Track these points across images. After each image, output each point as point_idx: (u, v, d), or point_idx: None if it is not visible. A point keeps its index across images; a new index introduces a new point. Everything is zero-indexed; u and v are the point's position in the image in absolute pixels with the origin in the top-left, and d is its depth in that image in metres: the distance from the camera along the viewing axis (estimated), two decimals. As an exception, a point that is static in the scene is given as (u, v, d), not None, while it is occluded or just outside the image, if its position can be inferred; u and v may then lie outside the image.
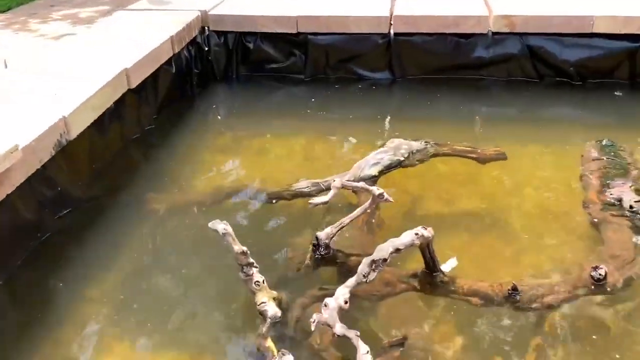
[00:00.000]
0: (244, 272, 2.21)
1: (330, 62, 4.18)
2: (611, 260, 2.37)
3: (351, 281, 2.10)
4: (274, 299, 2.20)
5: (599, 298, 2.30)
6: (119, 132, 3.28)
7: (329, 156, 3.57)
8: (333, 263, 2.54)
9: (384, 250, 2.13)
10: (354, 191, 2.81)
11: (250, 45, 4.20)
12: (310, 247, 2.52)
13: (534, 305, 2.24)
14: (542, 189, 3.19)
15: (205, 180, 3.35)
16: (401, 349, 2.13)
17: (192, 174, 3.39)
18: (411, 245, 2.18)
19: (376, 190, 2.41)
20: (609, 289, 2.27)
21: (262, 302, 2.17)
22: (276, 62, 4.24)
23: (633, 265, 2.37)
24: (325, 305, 1.99)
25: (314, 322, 1.91)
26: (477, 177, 3.28)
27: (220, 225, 2.20)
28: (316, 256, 2.50)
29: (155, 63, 3.45)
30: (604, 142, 3.19)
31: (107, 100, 3.04)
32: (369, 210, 2.48)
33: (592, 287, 2.27)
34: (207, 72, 4.24)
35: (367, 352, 1.87)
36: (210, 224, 2.22)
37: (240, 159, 3.59)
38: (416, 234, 2.18)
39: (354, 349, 1.97)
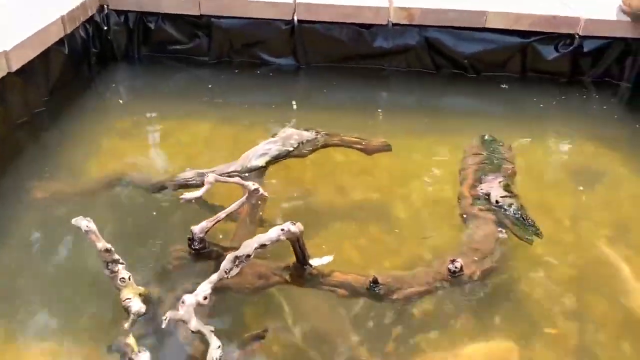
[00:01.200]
0: (109, 269, 2.21)
1: (235, 46, 4.14)
2: (471, 253, 2.52)
3: (214, 277, 2.15)
4: (140, 294, 2.22)
5: (456, 290, 2.47)
6: (1, 117, 3.16)
7: (232, 143, 3.54)
8: (210, 257, 2.57)
9: (248, 246, 2.18)
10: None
11: (152, 26, 4.09)
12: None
13: (394, 297, 2.37)
14: (429, 181, 3.32)
15: (98, 167, 3.28)
16: (261, 341, 2.22)
17: (85, 160, 3.32)
18: (277, 240, 2.24)
19: (251, 185, 2.46)
20: (465, 281, 2.43)
21: (127, 298, 2.18)
22: (179, 43, 4.16)
23: (492, 257, 2.54)
24: (182, 302, 2.03)
25: (166, 319, 1.96)
26: (371, 168, 3.38)
27: (83, 222, 2.18)
28: (191, 251, 2.53)
29: (41, 45, 3.31)
30: (485, 137, 3.35)
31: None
32: (245, 205, 2.52)
33: (450, 279, 2.42)
34: (107, 52, 4.11)
35: (219, 346, 1.94)
36: (73, 221, 2.19)
37: (139, 144, 3.53)
38: (282, 229, 2.24)
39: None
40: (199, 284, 2.41)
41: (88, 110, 3.73)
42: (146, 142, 3.57)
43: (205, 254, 2.54)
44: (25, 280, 2.58)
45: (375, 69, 4.19)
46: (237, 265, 2.15)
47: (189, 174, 2.96)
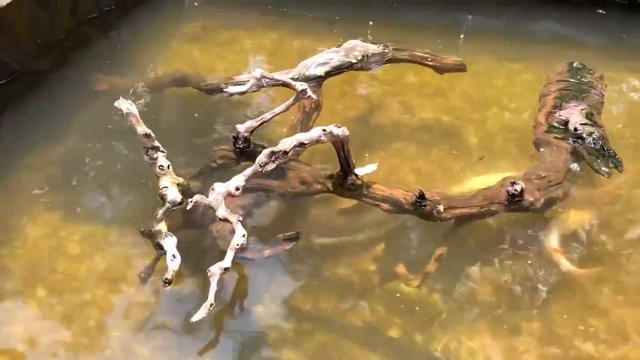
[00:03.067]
0: (149, 156, 2.19)
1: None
2: (536, 180, 2.27)
3: (248, 170, 2.06)
4: (178, 184, 2.19)
5: (513, 215, 2.24)
6: (68, 8, 3.18)
7: (298, 55, 3.37)
8: (253, 157, 2.47)
9: (287, 143, 2.05)
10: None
11: None
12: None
13: (442, 216, 2.18)
14: (508, 108, 3.06)
15: (163, 67, 3.28)
16: (293, 243, 2.12)
17: (151, 60, 3.33)
18: (317, 141, 2.09)
19: (299, 85, 2.31)
20: (526, 207, 2.19)
21: (164, 187, 2.16)
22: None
23: (558, 187, 2.27)
24: (212, 189, 1.97)
25: (192, 202, 1.90)
26: (445, 90, 3.16)
27: (125, 105, 2.15)
28: (236, 150, 2.45)
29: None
30: (574, 64, 2.97)
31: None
32: (298, 113, 2.39)
33: (508, 203, 2.19)
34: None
35: (243, 235, 1.87)
36: (115, 103, 2.18)
37: (205, 48, 3.48)
38: (324, 130, 2.09)
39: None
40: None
41: (158, 13, 3.69)
42: (212, 47, 3.50)
43: (248, 153, 2.45)
44: (80, 168, 2.65)
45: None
46: (273, 161, 2.04)
47: (244, 77, 2.86)
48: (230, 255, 1.84)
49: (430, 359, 1.98)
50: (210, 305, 1.78)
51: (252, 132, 2.41)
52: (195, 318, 1.78)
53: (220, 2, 3.89)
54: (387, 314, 2.08)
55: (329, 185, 2.32)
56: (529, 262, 2.22)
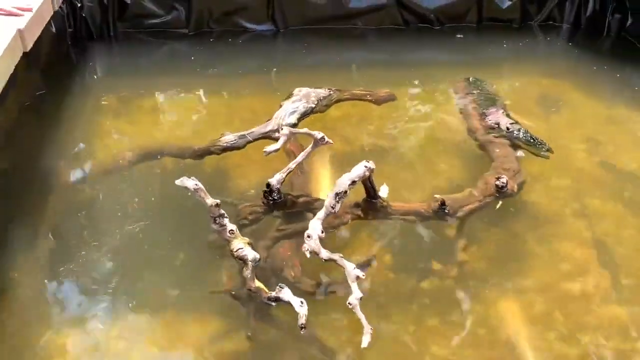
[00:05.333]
0: (218, 223, 2.34)
1: (214, 14, 4.20)
2: (505, 172, 2.94)
3: (320, 214, 2.36)
4: (248, 244, 2.37)
5: (504, 203, 2.88)
6: (14, 99, 3.04)
7: (227, 111, 3.69)
8: (282, 207, 2.74)
9: (343, 184, 2.41)
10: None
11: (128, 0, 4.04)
12: (262, 194, 2.70)
13: (458, 215, 2.74)
14: (427, 124, 3.70)
15: (107, 146, 3.27)
16: (368, 267, 2.48)
17: (91, 141, 3.30)
18: (363, 176, 2.50)
19: (317, 134, 2.66)
20: (509, 195, 2.85)
21: (239, 248, 2.32)
22: (157, 16, 4.13)
23: (520, 174, 2.98)
24: (309, 237, 2.24)
25: (306, 250, 2.16)
26: (368, 118, 3.68)
27: (190, 182, 2.29)
28: (269, 202, 2.70)
29: (42, 22, 3.19)
30: (471, 79, 3.78)
31: (8, 67, 2.80)
32: (311, 153, 2.72)
33: (497, 194, 2.83)
34: (82, 30, 3.99)
35: (354, 267, 2.17)
36: (178, 182, 2.30)
37: (136, 120, 3.55)
38: (366, 166, 2.50)
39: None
40: (282, 230, 2.64)
41: (76, 92, 3.66)
42: (142, 117, 3.57)
43: (279, 204, 2.72)
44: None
45: (349, 28, 4.46)
46: (337, 202, 2.38)
47: (229, 137, 3.08)
48: (355, 286, 2.13)
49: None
50: (370, 329, 2.06)
51: (282, 183, 2.69)
52: (365, 344, 2.03)
53: (123, 72, 3.99)
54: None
55: (359, 212, 2.71)
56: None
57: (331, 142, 2.71)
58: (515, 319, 2.45)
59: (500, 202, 2.85)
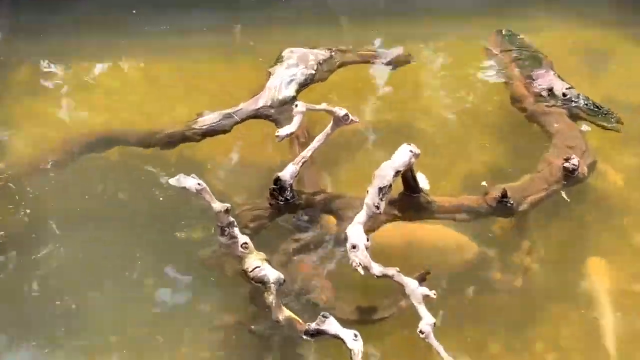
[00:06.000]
0: (227, 235, 2.05)
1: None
2: (571, 151, 2.72)
3: (361, 217, 2.08)
4: (265, 260, 2.08)
5: (572, 189, 2.66)
6: None
7: (182, 81, 3.34)
8: (294, 208, 2.44)
9: (387, 175, 2.12)
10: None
11: None
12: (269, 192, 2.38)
13: (521, 208, 2.50)
14: (447, 90, 3.44)
15: (27, 137, 2.96)
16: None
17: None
18: (408, 164, 2.22)
19: (340, 111, 2.36)
20: (580, 179, 2.63)
21: (256, 267, 2.04)
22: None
23: (588, 152, 2.77)
24: (354, 247, 1.96)
25: (357, 265, 1.91)
26: (378, 87, 3.41)
27: (191, 181, 1.98)
28: (278, 203, 2.38)
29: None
30: (504, 32, 3.52)
31: None
32: (331, 135, 2.42)
33: (565, 179, 2.61)
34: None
35: (418, 285, 1.92)
36: (173, 181, 2.01)
37: (62, 99, 3.22)
38: (411, 151, 2.21)
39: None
40: (299, 239, 2.37)
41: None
42: (71, 95, 3.23)
43: (291, 205, 2.41)
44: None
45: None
46: (382, 199, 2.10)
47: (212, 117, 2.75)
48: (424, 309, 1.87)
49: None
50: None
51: (296, 177, 2.38)
52: None
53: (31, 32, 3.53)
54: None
55: (395, 211, 2.43)
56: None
57: (357, 120, 2.42)
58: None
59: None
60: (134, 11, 3.66)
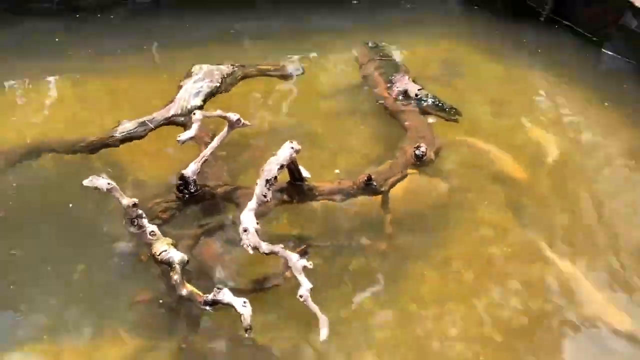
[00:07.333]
0: (136, 225, 2.37)
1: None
2: (421, 140, 3.24)
3: (251, 204, 2.48)
4: (172, 245, 2.40)
5: (425, 171, 3.19)
6: None
7: (108, 95, 3.64)
8: (199, 200, 2.81)
9: (272, 169, 2.54)
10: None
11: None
12: (176, 187, 2.74)
13: (383, 189, 2.99)
14: (331, 95, 3.87)
15: None
16: (306, 256, 2.63)
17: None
18: (290, 158, 2.64)
19: (233, 116, 2.75)
20: (427, 162, 3.16)
21: (163, 251, 2.36)
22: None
23: (435, 141, 3.30)
24: (245, 231, 2.35)
25: (247, 246, 2.29)
26: (271, 94, 3.79)
27: (102, 181, 2.29)
28: (184, 196, 2.74)
29: None
30: (370, 44, 4.02)
31: None
32: (226, 137, 2.81)
33: (417, 163, 3.12)
34: None
35: (299, 258, 2.33)
36: (86, 182, 2.30)
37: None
38: (292, 147, 2.63)
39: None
40: (204, 225, 2.74)
41: None
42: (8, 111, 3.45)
43: (197, 197, 2.78)
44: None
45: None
46: (269, 189, 2.51)
47: (129, 126, 3.05)
48: (303, 277, 2.26)
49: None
50: (326, 320, 2.20)
51: (197, 173, 2.74)
52: (323, 337, 2.18)
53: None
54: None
55: (284, 197, 2.86)
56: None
57: (249, 123, 2.81)
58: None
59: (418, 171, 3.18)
60: (57, 39, 3.96)
